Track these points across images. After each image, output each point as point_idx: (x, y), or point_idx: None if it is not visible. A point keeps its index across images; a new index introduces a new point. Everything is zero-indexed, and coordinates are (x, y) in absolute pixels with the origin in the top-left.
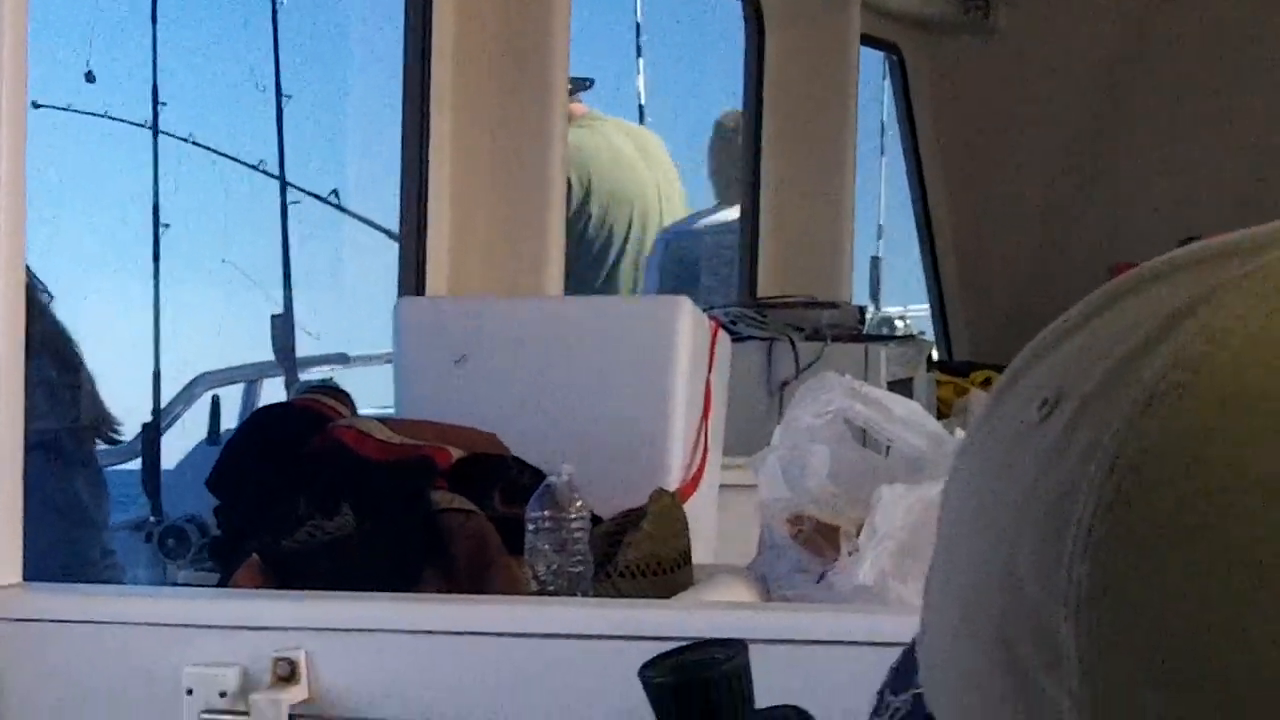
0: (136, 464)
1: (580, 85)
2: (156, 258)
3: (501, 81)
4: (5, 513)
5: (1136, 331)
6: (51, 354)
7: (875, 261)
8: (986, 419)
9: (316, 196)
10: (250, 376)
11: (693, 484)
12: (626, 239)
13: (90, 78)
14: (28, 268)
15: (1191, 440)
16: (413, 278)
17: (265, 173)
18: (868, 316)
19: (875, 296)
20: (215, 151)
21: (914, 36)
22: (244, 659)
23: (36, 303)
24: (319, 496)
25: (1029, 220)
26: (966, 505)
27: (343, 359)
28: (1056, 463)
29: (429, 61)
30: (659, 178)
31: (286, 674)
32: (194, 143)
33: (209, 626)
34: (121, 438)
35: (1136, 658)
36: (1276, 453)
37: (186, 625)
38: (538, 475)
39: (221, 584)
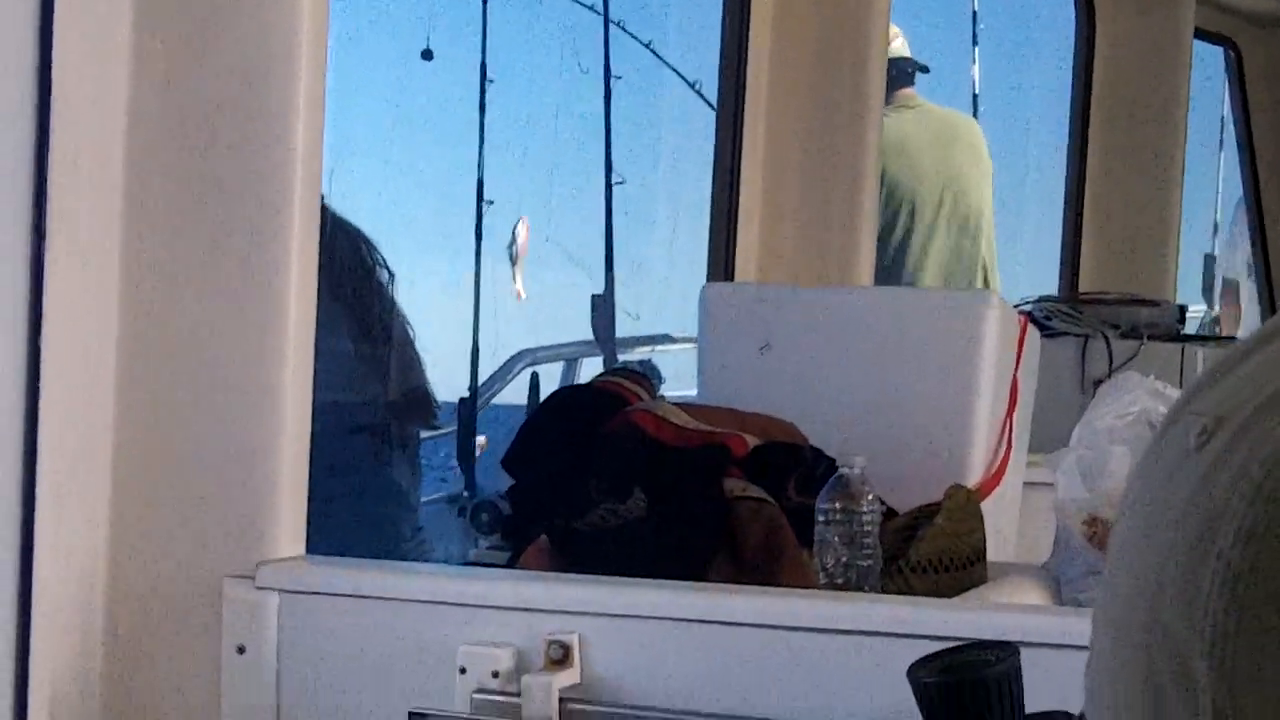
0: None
1: (916, 68)
2: (479, 235)
3: (817, 71)
4: (290, 487)
5: None
6: (387, 335)
7: (1209, 259)
8: (1156, 444)
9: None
10: (569, 355)
11: (994, 480)
12: (904, 224)
13: (428, 55)
14: (372, 245)
15: None
16: (722, 264)
17: (700, 95)
18: (1199, 316)
19: (1208, 294)
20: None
21: (1250, 31)
22: (519, 640)
23: (378, 281)
24: (612, 479)
25: None
26: (1129, 530)
27: (666, 339)
28: (1206, 491)
29: (746, 49)
30: (961, 167)
31: (559, 657)
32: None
33: (485, 606)
34: (439, 425)
35: (1265, 703)
36: None
37: (463, 604)
38: (834, 466)
39: (510, 563)
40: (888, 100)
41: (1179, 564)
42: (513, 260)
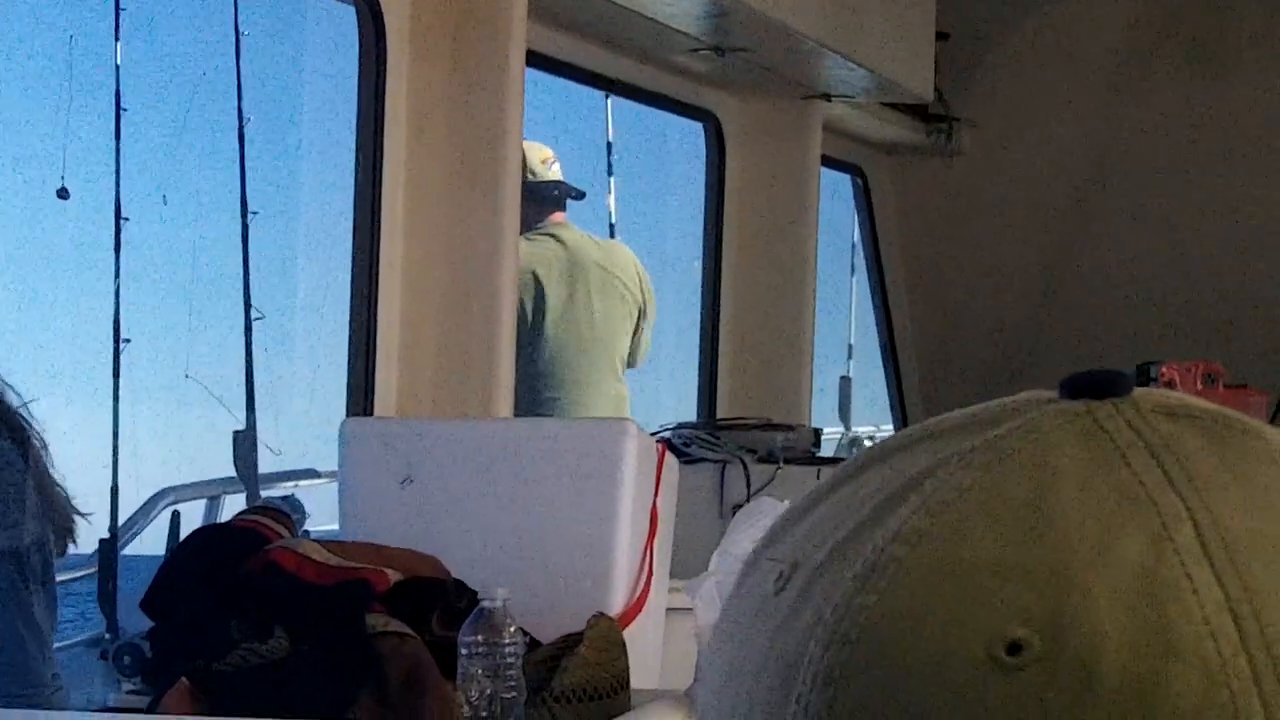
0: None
1: (570, 194)
2: (116, 373)
3: (452, 202)
4: None
5: (868, 504)
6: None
7: (845, 381)
8: (738, 587)
9: None
10: (212, 492)
11: (636, 607)
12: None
13: (63, 193)
14: None
15: (903, 617)
16: (361, 398)
17: None
18: (836, 437)
19: (845, 416)
20: None
21: (877, 159)
22: None
23: (3, 403)
24: (253, 619)
25: (991, 337)
26: (716, 673)
27: (311, 474)
28: (785, 635)
29: (380, 181)
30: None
31: None
32: None
33: None
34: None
35: None
36: (983, 630)
37: None
38: (476, 599)
39: (152, 707)
40: (537, 224)
41: (763, 707)
42: None
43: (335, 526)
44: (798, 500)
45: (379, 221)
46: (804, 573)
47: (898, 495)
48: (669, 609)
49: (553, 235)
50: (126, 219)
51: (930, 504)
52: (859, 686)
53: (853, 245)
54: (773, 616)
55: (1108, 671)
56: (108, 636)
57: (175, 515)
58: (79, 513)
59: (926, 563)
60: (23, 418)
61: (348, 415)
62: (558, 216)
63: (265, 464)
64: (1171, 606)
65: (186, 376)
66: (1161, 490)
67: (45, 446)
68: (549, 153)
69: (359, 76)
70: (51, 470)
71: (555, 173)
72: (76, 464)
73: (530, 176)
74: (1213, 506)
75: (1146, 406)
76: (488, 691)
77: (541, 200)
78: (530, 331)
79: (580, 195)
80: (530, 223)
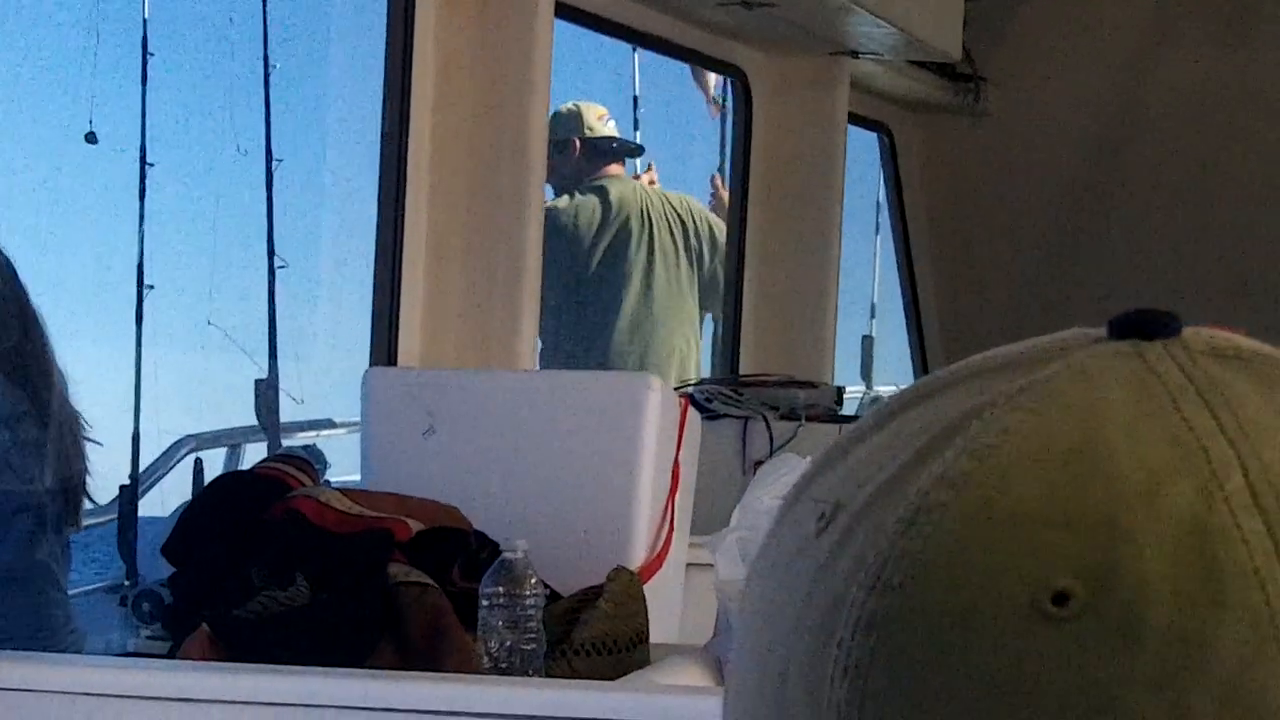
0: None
1: (629, 149)
2: (140, 319)
3: (477, 155)
4: None
5: (911, 445)
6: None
7: (867, 340)
8: (775, 529)
9: None
10: (233, 441)
11: (657, 562)
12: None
13: (91, 138)
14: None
15: (947, 564)
16: (384, 348)
17: None
18: (856, 395)
19: (866, 375)
20: None
21: (903, 116)
22: None
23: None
24: (274, 567)
25: (1015, 299)
26: (753, 616)
27: (330, 424)
28: (827, 578)
29: (406, 131)
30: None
31: None
32: None
33: (145, 698)
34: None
35: None
36: (1028, 579)
37: (122, 696)
38: (498, 551)
39: (172, 653)
40: (590, 178)
41: (803, 651)
42: None
43: (355, 476)
44: (840, 437)
45: (405, 170)
46: (847, 514)
47: (942, 436)
48: (689, 564)
49: (596, 189)
50: (152, 165)
51: (975, 447)
52: (901, 633)
53: (877, 204)
54: (814, 558)
55: (1154, 622)
56: (126, 583)
57: (198, 462)
58: (89, 439)
59: (971, 508)
60: (51, 359)
61: (370, 365)
62: (613, 169)
63: (286, 413)
64: (1220, 556)
65: (209, 324)
66: (1211, 437)
67: (67, 388)
68: (604, 110)
69: (387, 24)
70: (73, 414)
71: (611, 129)
72: (98, 410)
73: (587, 133)
74: (1263, 454)
75: (1196, 348)
76: (507, 643)
77: (597, 155)
78: (572, 286)
79: (639, 151)
80: (584, 176)
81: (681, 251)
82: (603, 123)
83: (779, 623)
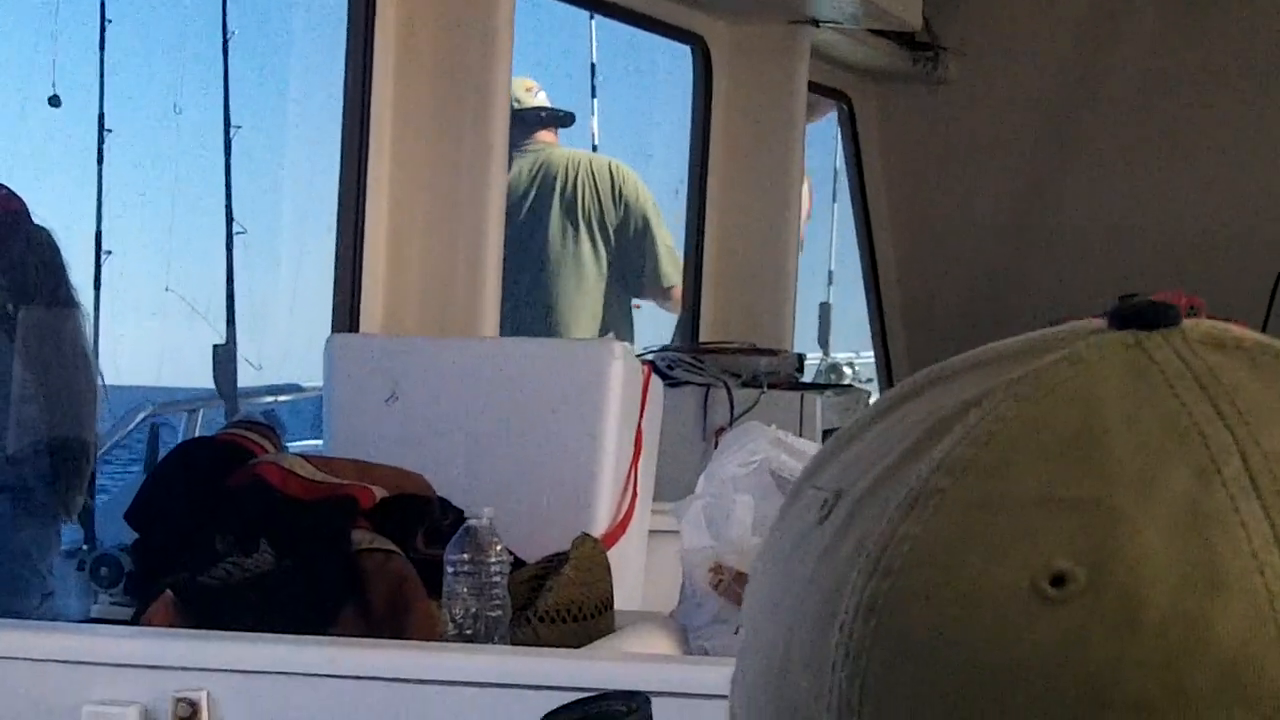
0: None
1: (557, 119)
2: (98, 285)
3: (440, 121)
4: None
5: (911, 434)
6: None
7: (825, 307)
8: (781, 516)
9: None
10: (190, 406)
11: (620, 528)
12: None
13: (55, 101)
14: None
15: (946, 548)
16: (346, 314)
17: None
18: (816, 363)
19: (824, 342)
20: None
21: (863, 85)
22: (144, 698)
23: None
24: (238, 533)
25: (974, 268)
26: (759, 606)
27: (295, 389)
28: (828, 563)
29: (368, 97)
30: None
31: (187, 715)
32: None
33: (109, 664)
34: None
35: None
36: (1027, 562)
37: (86, 662)
38: (462, 517)
39: (135, 619)
40: (520, 145)
41: (805, 636)
42: None
43: (317, 442)
44: (842, 429)
45: (367, 138)
46: (847, 502)
47: (943, 424)
48: (652, 530)
49: (521, 155)
50: (110, 130)
51: (975, 434)
52: (901, 617)
53: (834, 172)
54: (815, 545)
55: (1153, 605)
56: (85, 548)
57: (154, 428)
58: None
59: (971, 494)
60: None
61: (333, 331)
62: (544, 136)
63: (245, 379)
64: (1218, 540)
65: (167, 290)
66: (1209, 422)
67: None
68: (532, 83)
69: None
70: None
71: (541, 100)
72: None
73: (515, 105)
74: (1261, 439)
75: (1194, 337)
76: (472, 609)
77: (525, 124)
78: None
79: (569, 120)
80: (515, 144)
81: (595, 224)
82: (531, 94)
83: (783, 609)
